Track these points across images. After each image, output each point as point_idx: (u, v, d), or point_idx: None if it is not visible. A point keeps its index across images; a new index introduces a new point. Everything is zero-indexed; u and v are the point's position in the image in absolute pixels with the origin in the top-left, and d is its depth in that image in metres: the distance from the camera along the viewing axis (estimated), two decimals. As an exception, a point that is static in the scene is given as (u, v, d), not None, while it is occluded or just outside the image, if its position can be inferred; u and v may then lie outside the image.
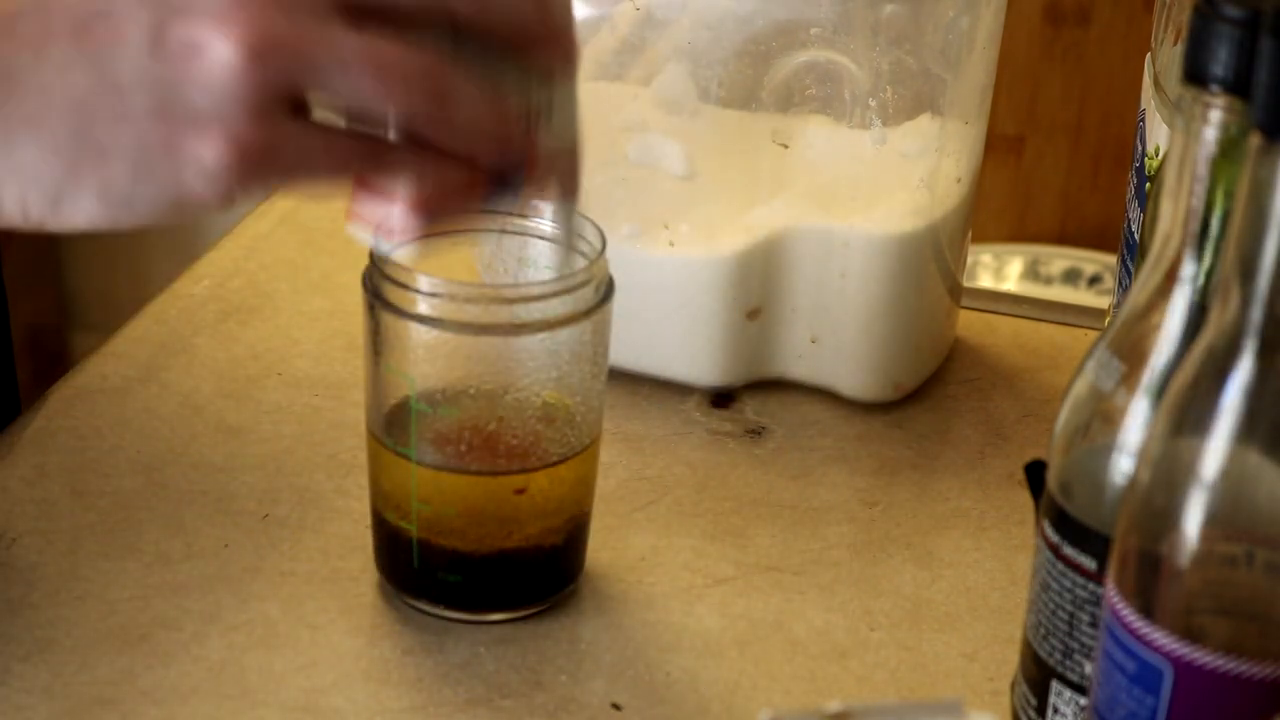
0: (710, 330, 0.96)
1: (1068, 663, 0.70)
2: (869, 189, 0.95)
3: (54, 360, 2.35)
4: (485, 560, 0.82)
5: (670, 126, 0.95)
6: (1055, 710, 0.71)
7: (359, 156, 0.64)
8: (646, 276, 0.96)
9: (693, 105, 0.95)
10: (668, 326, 0.97)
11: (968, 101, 0.96)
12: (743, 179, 0.96)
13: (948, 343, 1.02)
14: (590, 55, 0.97)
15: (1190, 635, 0.62)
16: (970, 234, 1.02)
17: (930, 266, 0.97)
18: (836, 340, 0.97)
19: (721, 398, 0.98)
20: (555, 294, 0.79)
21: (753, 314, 0.96)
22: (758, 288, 0.96)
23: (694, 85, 0.95)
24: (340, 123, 0.63)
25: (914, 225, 0.95)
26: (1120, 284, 0.95)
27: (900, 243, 0.95)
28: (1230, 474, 0.61)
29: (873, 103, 0.94)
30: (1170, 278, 0.66)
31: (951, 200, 0.97)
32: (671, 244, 0.96)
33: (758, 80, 0.94)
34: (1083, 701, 0.70)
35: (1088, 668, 0.70)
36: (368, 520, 0.85)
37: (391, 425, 0.81)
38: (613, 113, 0.97)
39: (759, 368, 0.98)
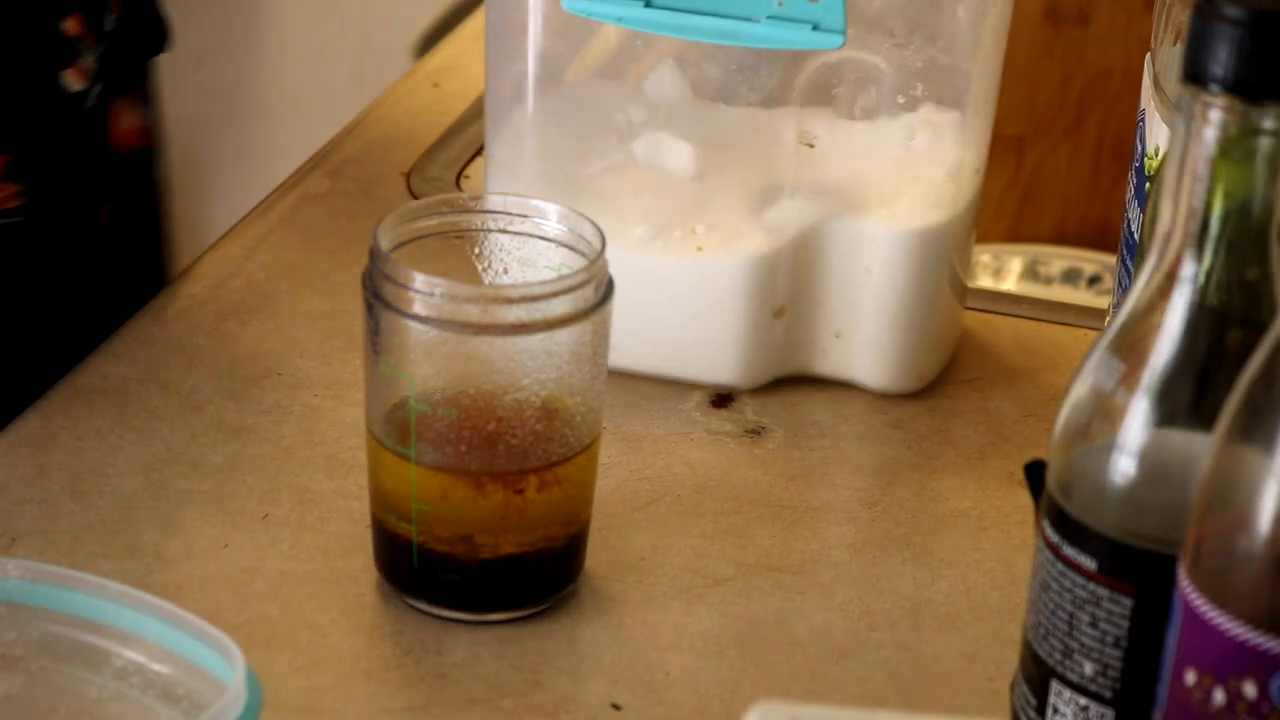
0: (737, 332, 0.96)
1: (1068, 663, 0.70)
2: (894, 183, 0.96)
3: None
4: (485, 560, 0.82)
5: (680, 126, 0.96)
6: (1055, 710, 0.71)
7: None
8: (672, 280, 0.96)
9: (698, 104, 0.95)
10: (694, 329, 0.97)
11: (984, 93, 0.96)
12: (762, 178, 0.96)
13: (959, 330, 1.02)
14: (593, 51, 0.97)
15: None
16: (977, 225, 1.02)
17: (950, 256, 0.97)
18: (861, 334, 0.97)
19: (721, 398, 0.98)
20: (555, 294, 0.79)
21: (779, 312, 0.97)
22: (784, 286, 0.96)
23: (688, 83, 0.95)
24: None
25: (939, 218, 0.96)
26: (1120, 284, 0.95)
27: (926, 236, 0.96)
28: None
29: (901, 99, 0.94)
30: (1170, 278, 0.66)
31: (971, 191, 0.98)
32: (700, 249, 0.96)
33: (786, 79, 0.94)
34: (1083, 701, 0.70)
35: (1088, 668, 0.70)
36: (368, 520, 0.85)
37: (391, 425, 0.81)
38: (615, 110, 0.97)
39: (785, 365, 0.98)
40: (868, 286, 0.96)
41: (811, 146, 0.95)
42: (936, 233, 0.96)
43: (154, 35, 1.12)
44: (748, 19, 0.90)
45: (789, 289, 0.97)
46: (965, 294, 1.02)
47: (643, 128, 0.96)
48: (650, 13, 0.90)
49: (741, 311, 0.96)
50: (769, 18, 0.89)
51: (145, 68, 1.13)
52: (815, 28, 0.89)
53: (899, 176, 0.96)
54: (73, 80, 1.01)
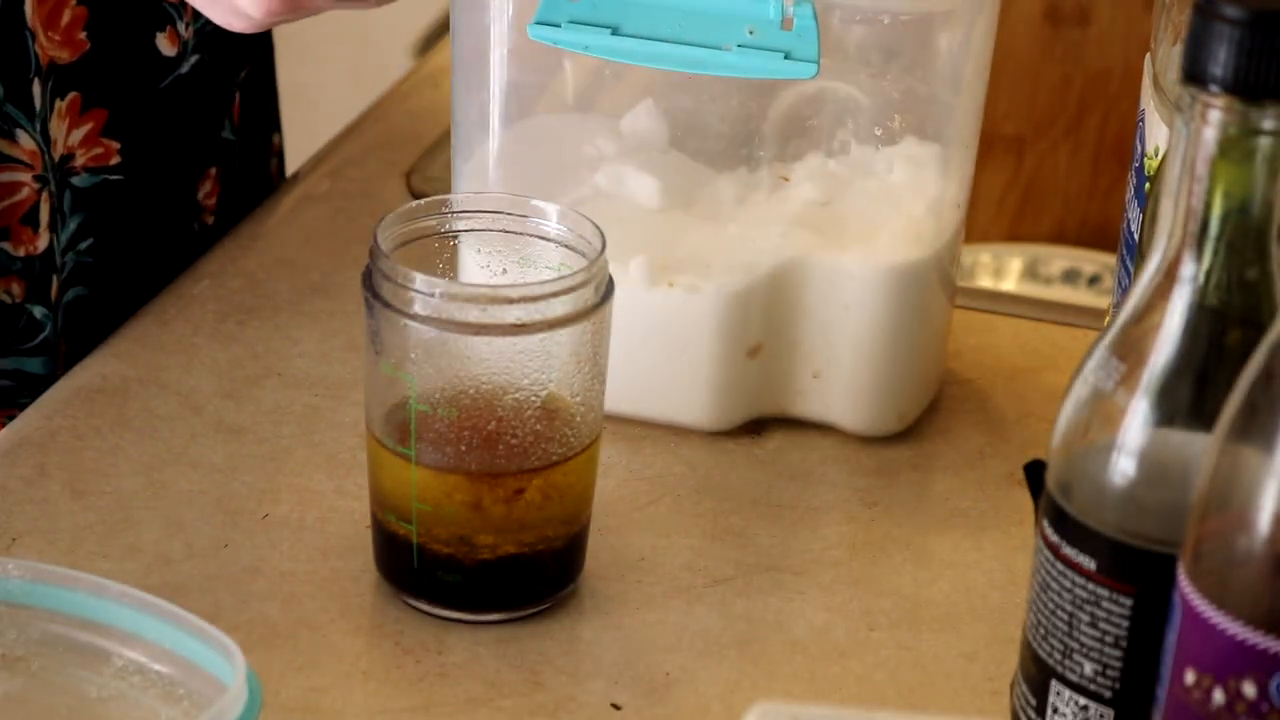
0: (711, 371, 0.93)
1: (1067, 663, 0.70)
2: (873, 218, 0.93)
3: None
4: (485, 560, 0.82)
5: (649, 161, 0.93)
6: (1055, 710, 0.71)
7: None
8: (641, 317, 0.92)
9: (663, 143, 0.93)
10: (667, 368, 0.94)
11: (966, 126, 0.94)
12: (735, 213, 0.94)
13: (943, 369, 1.00)
14: (560, 86, 0.95)
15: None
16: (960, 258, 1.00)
17: (933, 292, 0.95)
18: (840, 374, 0.94)
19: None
20: (555, 294, 0.79)
21: (753, 351, 0.95)
22: (758, 324, 0.93)
23: (665, 120, 0.93)
24: None
25: (919, 254, 0.93)
26: (1120, 284, 0.95)
27: (905, 272, 0.93)
28: None
29: (878, 131, 0.92)
30: (1170, 278, 0.66)
31: (952, 226, 0.95)
32: (671, 284, 0.93)
33: (760, 110, 0.92)
34: (1082, 701, 0.70)
35: (1087, 668, 0.70)
36: (368, 520, 0.85)
37: (391, 425, 0.81)
38: (583, 144, 0.95)
39: (760, 405, 0.96)
40: (846, 324, 0.93)
41: (786, 180, 0.93)
42: (916, 269, 0.93)
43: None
44: (718, 47, 0.86)
45: (764, 327, 0.94)
46: (948, 332, 0.99)
47: (609, 161, 0.94)
48: (617, 41, 0.86)
49: (714, 351, 0.93)
50: (740, 46, 0.85)
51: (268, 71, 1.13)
52: (788, 56, 0.85)
53: (878, 211, 0.93)
54: (166, 44, 1.02)
